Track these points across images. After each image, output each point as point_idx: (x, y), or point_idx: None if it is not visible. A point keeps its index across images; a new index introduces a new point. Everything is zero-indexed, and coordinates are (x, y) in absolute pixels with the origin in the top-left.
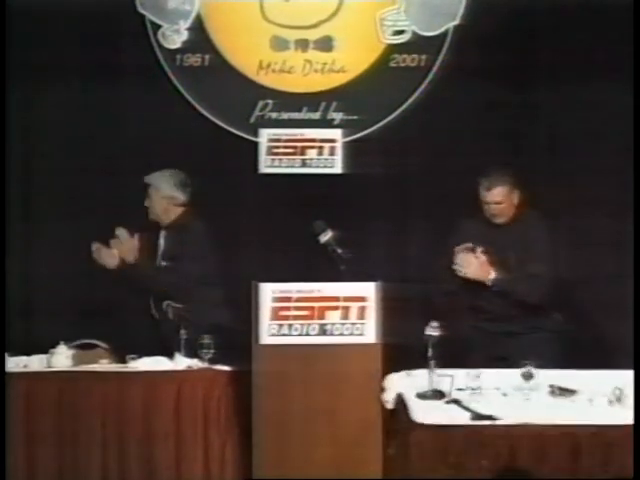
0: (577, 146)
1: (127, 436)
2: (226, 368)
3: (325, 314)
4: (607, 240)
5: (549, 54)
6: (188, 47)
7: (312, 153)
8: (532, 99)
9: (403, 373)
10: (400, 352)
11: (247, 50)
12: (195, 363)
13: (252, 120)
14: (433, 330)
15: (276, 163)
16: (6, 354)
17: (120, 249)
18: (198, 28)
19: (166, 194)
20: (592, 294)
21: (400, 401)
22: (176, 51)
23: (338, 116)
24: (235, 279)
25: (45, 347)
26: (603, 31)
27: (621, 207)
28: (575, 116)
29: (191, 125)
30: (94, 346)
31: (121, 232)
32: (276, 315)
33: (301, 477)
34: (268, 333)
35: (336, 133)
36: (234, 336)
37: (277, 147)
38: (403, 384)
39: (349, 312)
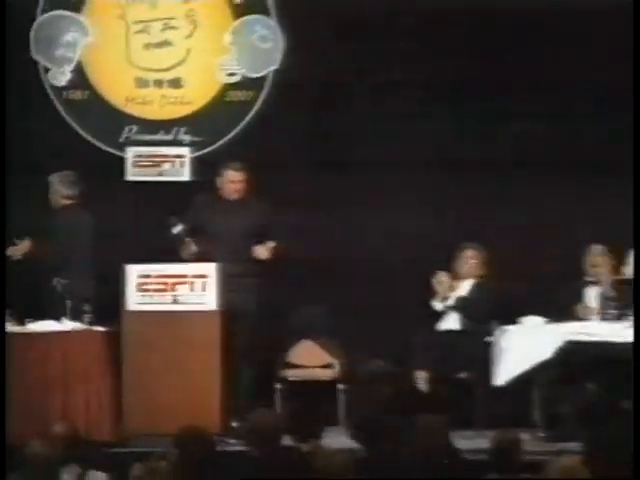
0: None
1: (22, 386)
2: (102, 329)
3: (177, 287)
4: None
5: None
6: (71, 85)
7: (167, 166)
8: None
9: None
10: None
11: (116, 87)
12: (78, 325)
13: (121, 140)
14: None
15: (140, 173)
16: None
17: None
18: (79, 70)
19: (56, 189)
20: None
21: None
22: (62, 88)
23: (187, 138)
24: (109, 261)
25: None
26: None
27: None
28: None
29: (75, 145)
30: None
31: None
32: (140, 288)
33: (158, 415)
34: (134, 302)
35: (185, 150)
36: (108, 304)
37: (140, 161)
38: None
39: (194, 286)
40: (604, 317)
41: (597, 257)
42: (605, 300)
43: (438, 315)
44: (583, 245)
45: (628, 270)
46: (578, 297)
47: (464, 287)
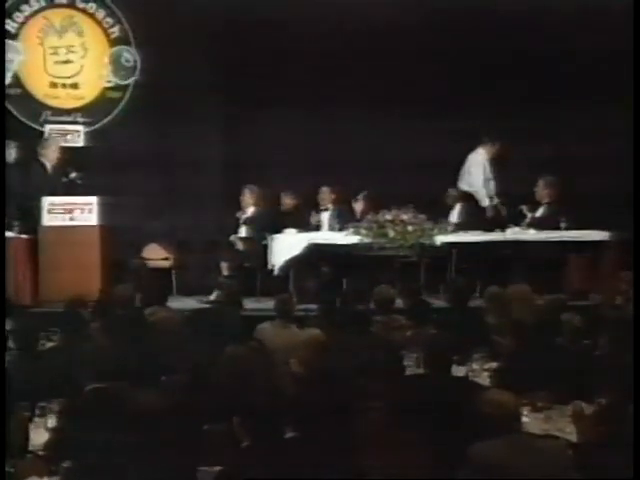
0: None
1: None
2: (27, 236)
3: (73, 211)
4: None
5: None
6: (11, 85)
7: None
8: None
9: None
10: None
11: (38, 87)
12: (11, 234)
13: (41, 120)
14: None
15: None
16: None
17: None
18: (16, 76)
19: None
20: None
21: None
22: (6, 87)
23: (81, 119)
24: (29, 195)
25: None
26: None
27: None
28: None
29: (12, 122)
30: None
31: None
32: (50, 211)
33: (60, 288)
34: (46, 220)
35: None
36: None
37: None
38: None
39: (84, 210)
40: (331, 229)
41: (324, 194)
42: (331, 219)
43: (237, 227)
44: (316, 186)
45: (357, 204)
46: (317, 218)
47: (250, 210)
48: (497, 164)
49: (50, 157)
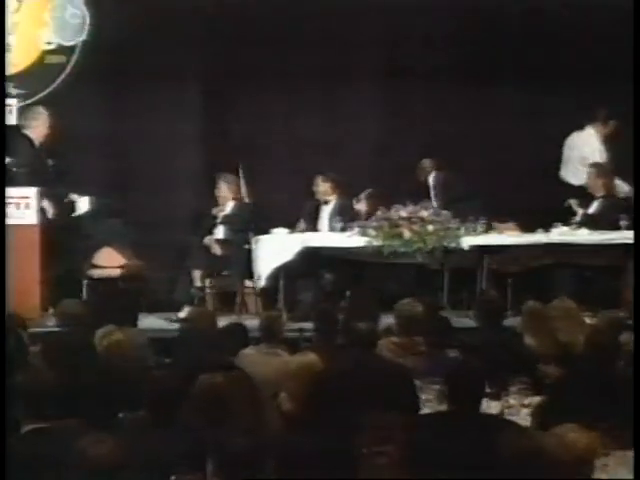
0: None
1: None
2: None
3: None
4: None
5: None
6: None
7: None
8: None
9: None
10: None
11: None
12: None
13: None
14: None
15: None
16: None
17: None
18: None
19: None
20: None
21: None
22: None
23: (14, 91)
24: None
25: None
26: None
27: None
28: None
29: None
30: None
31: None
32: None
33: None
34: None
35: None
36: None
37: None
38: None
39: (19, 205)
40: (331, 229)
41: (321, 185)
42: (330, 216)
43: (213, 226)
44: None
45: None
46: (316, 214)
47: (228, 206)
48: (612, 147)
49: (38, 131)
